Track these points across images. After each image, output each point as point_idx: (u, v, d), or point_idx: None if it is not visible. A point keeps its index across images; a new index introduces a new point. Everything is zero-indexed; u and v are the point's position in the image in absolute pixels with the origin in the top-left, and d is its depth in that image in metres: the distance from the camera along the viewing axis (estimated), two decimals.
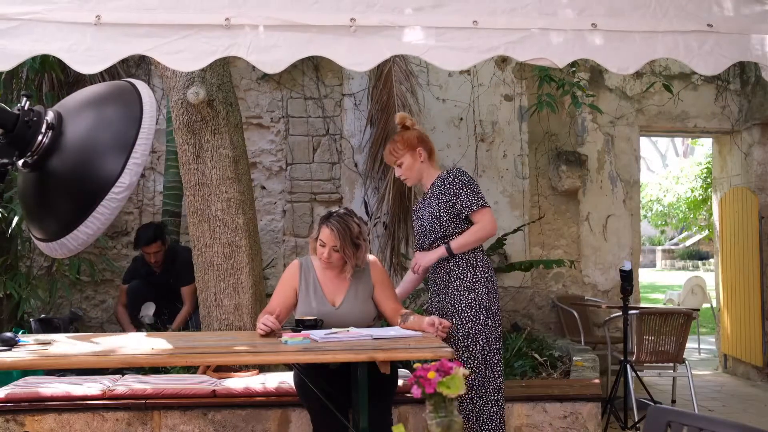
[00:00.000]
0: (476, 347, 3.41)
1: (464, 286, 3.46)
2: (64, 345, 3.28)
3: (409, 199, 6.13)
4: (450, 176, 3.52)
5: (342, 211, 3.50)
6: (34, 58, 4.45)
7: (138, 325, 5.49)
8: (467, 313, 3.43)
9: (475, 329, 3.42)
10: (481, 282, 3.47)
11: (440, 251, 3.49)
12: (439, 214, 3.49)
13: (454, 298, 3.47)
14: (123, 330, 5.58)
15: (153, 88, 6.14)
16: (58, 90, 6.14)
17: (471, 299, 3.44)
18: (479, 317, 3.43)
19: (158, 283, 5.66)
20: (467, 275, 3.48)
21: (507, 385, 3.72)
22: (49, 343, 3.24)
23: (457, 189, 3.48)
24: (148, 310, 5.51)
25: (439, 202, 3.51)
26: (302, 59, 2.93)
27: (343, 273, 3.50)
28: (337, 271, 3.51)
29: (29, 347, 3.14)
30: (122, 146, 2.16)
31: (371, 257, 3.61)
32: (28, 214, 2.42)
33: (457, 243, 3.47)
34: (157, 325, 5.43)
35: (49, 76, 6.11)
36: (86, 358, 3.08)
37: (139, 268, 5.75)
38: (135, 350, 3.13)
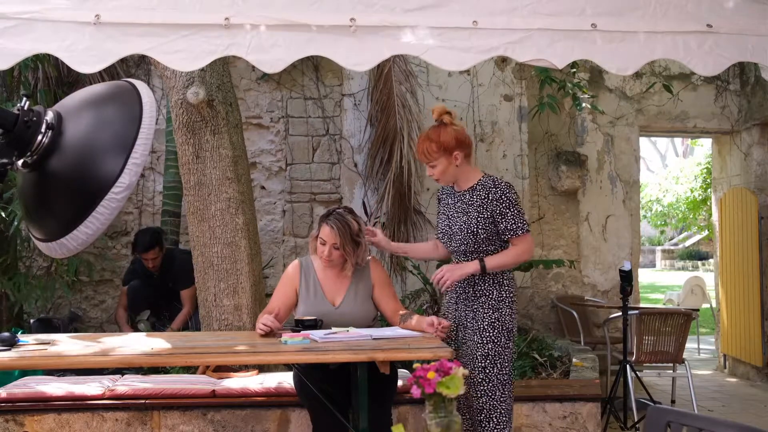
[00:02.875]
0: (493, 370, 3.23)
1: (489, 304, 3.27)
2: (64, 345, 3.28)
3: (409, 199, 6.13)
4: (497, 191, 3.24)
5: (341, 209, 3.50)
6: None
7: (137, 329, 5.49)
8: (489, 333, 3.25)
9: (495, 351, 3.24)
10: (506, 302, 3.29)
11: (473, 268, 3.24)
12: (476, 230, 3.24)
13: (477, 314, 3.28)
14: (121, 329, 5.59)
15: (153, 88, 6.14)
16: (54, 87, 6.12)
17: (494, 319, 3.25)
18: (500, 339, 3.25)
19: (157, 285, 5.66)
20: (492, 293, 3.28)
21: None
22: (49, 343, 3.24)
23: (503, 208, 3.23)
24: (143, 316, 5.53)
25: (478, 216, 3.25)
26: (302, 59, 2.93)
27: (343, 272, 3.50)
28: (337, 270, 3.51)
29: (29, 347, 3.14)
30: (122, 146, 2.15)
31: (371, 257, 3.61)
32: (28, 214, 2.42)
33: (495, 263, 3.24)
34: (156, 326, 5.43)
35: (44, 73, 6.10)
36: (86, 358, 3.08)
37: (137, 270, 5.75)
38: (135, 350, 3.13)
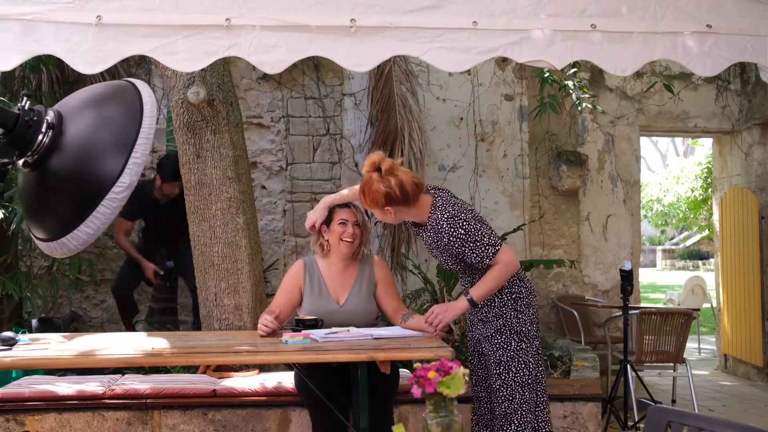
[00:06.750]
0: (509, 375, 3.20)
1: (492, 313, 3.24)
2: (64, 345, 3.28)
3: None
4: (444, 236, 3.14)
5: None
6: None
7: (134, 329, 5.48)
8: (497, 339, 3.23)
9: (507, 356, 3.21)
10: (508, 305, 3.22)
11: (464, 305, 3.23)
12: (448, 266, 3.31)
13: (486, 323, 3.28)
14: (129, 254, 5.60)
15: (153, 88, 6.13)
16: (57, 88, 6.13)
17: (500, 325, 3.22)
18: (510, 344, 3.21)
19: (164, 216, 5.46)
20: (494, 301, 3.23)
21: None
22: (49, 343, 3.24)
23: (458, 247, 3.15)
24: (140, 317, 5.52)
25: (441, 255, 3.26)
26: (303, 59, 2.94)
27: (350, 266, 3.53)
28: (343, 265, 3.52)
29: (29, 347, 3.14)
30: (122, 146, 2.16)
31: (375, 256, 3.64)
32: (29, 213, 2.42)
33: (482, 292, 3.17)
34: (156, 326, 5.41)
35: (47, 74, 6.11)
36: (86, 358, 3.08)
37: (143, 200, 5.36)
38: (135, 350, 3.14)
